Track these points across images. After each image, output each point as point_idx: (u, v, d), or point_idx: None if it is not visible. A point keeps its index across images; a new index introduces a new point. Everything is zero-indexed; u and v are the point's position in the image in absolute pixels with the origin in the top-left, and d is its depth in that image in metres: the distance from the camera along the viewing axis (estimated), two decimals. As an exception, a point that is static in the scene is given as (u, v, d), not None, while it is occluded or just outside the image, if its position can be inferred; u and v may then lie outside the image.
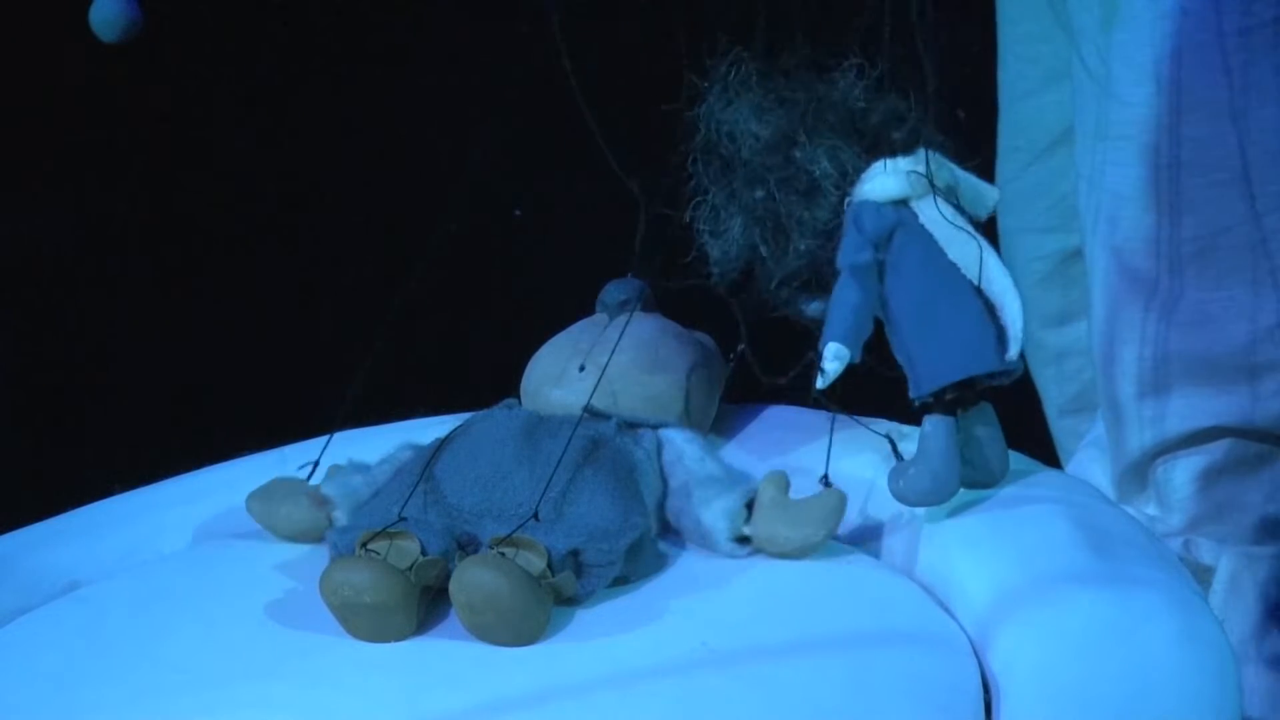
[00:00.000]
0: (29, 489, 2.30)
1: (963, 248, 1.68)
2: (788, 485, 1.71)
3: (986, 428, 1.71)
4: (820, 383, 1.64)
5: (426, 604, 1.61)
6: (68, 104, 2.43)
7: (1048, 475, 1.79)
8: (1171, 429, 2.15)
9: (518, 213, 2.48)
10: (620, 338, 1.81)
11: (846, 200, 1.71)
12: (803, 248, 1.71)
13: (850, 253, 1.68)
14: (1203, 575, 2.19)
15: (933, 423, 1.67)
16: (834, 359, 1.64)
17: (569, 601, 1.60)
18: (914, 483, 1.68)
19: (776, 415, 1.94)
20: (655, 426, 1.78)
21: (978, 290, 1.67)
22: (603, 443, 1.72)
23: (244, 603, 1.67)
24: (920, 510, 1.72)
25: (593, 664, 1.55)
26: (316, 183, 2.53)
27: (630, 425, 1.77)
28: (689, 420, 1.82)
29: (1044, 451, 2.21)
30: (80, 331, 2.52)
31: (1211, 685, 1.53)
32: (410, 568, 1.59)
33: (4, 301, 2.48)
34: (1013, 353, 1.67)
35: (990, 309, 1.68)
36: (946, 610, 1.66)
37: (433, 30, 2.49)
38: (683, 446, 1.76)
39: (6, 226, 2.46)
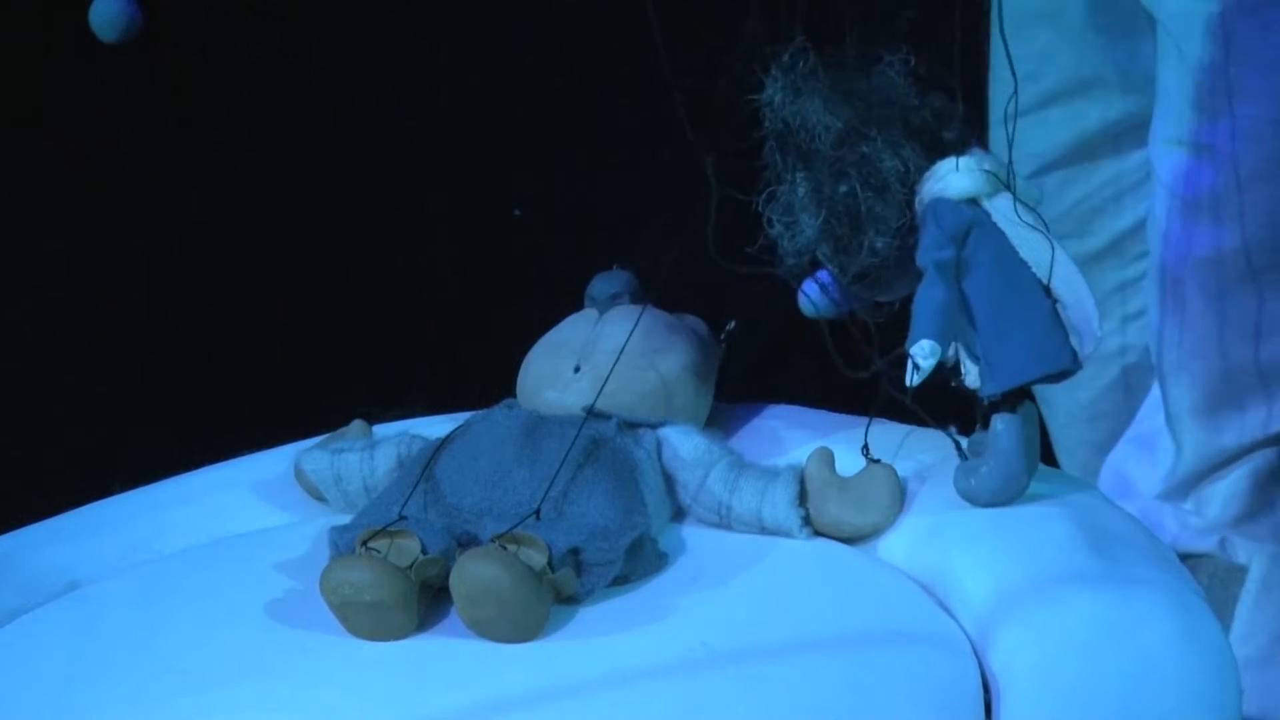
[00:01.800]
0: (29, 489, 2.31)
1: (1034, 246, 1.69)
2: (833, 462, 1.74)
3: (1032, 426, 1.72)
4: (914, 380, 1.64)
5: (427, 603, 1.61)
6: (67, 104, 2.43)
7: (1048, 474, 1.79)
8: (1237, 439, 2.16)
9: (518, 212, 2.48)
10: (628, 339, 1.80)
11: (917, 199, 1.71)
12: (879, 245, 1.71)
13: (933, 250, 1.68)
14: (1236, 575, 2.20)
15: (1004, 421, 1.67)
16: (929, 356, 1.63)
17: (569, 600, 1.60)
18: (986, 482, 1.68)
19: (777, 414, 1.94)
20: (655, 426, 1.78)
21: (1046, 289, 1.68)
22: (603, 442, 1.72)
23: (244, 602, 1.67)
24: (919, 509, 1.73)
25: (592, 663, 1.55)
26: (317, 183, 2.53)
27: (630, 425, 1.77)
28: (686, 411, 1.82)
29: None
30: (79, 331, 2.52)
31: (1211, 685, 1.53)
32: (410, 566, 1.59)
33: (3, 300, 2.48)
34: (1086, 350, 1.68)
35: (1057, 307, 1.69)
36: (946, 610, 1.66)
37: (438, 26, 2.49)
38: (683, 442, 1.76)
39: (4, 225, 2.46)
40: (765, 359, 2.03)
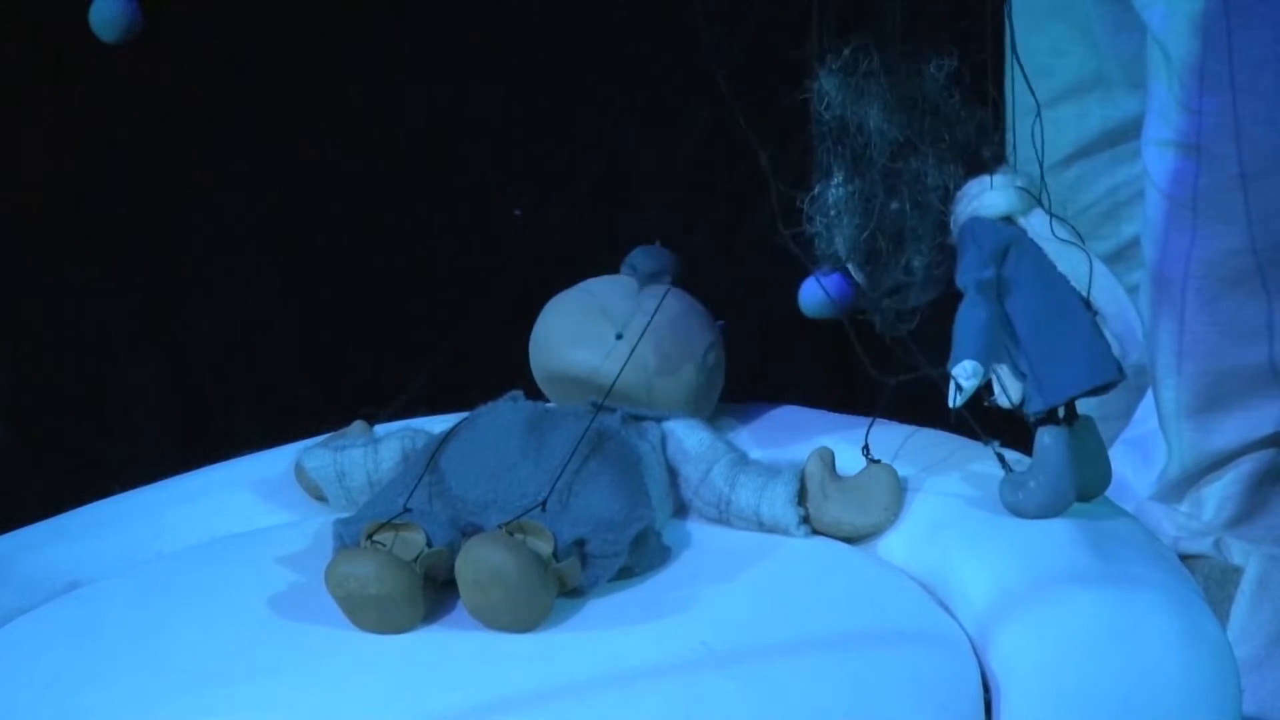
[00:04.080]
0: (29, 489, 2.31)
1: (1070, 260, 1.68)
2: (834, 461, 1.74)
3: (1095, 439, 1.71)
4: (957, 401, 1.63)
5: (432, 595, 1.61)
6: (67, 103, 2.43)
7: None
8: (1228, 442, 2.16)
9: (518, 213, 2.48)
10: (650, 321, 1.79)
11: (952, 219, 1.71)
12: (916, 264, 1.71)
13: (974, 269, 1.68)
14: (1232, 576, 2.20)
15: (1052, 434, 1.67)
16: (971, 376, 1.63)
17: (573, 593, 1.61)
18: (1034, 496, 1.68)
19: (777, 414, 1.94)
20: (660, 419, 1.78)
21: (1086, 302, 1.68)
22: (608, 435, 1.72)
23: (244, 601, 1.67)
24: (919, 509, 1.73)
25: (594, 661, 1.55)
26: (316, 182, 2.53)
27: (635, 417, 1.77)
28: (701, 404, 1.83)
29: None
30: (80, 330, 2.52)
31: (1211, 685, 1.53)
32: (416, 559, 1.59)
33: (2, 300, 2.48)
34: (1131, 359, 1.68)
35: (1097, 320, 1.68)
36: (946, 610, 1.66)
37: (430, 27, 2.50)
38: (688, 435, 1.76)
39: (4, 225, 2.46)
40: (766, 359, 2.03)
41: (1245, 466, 2.20)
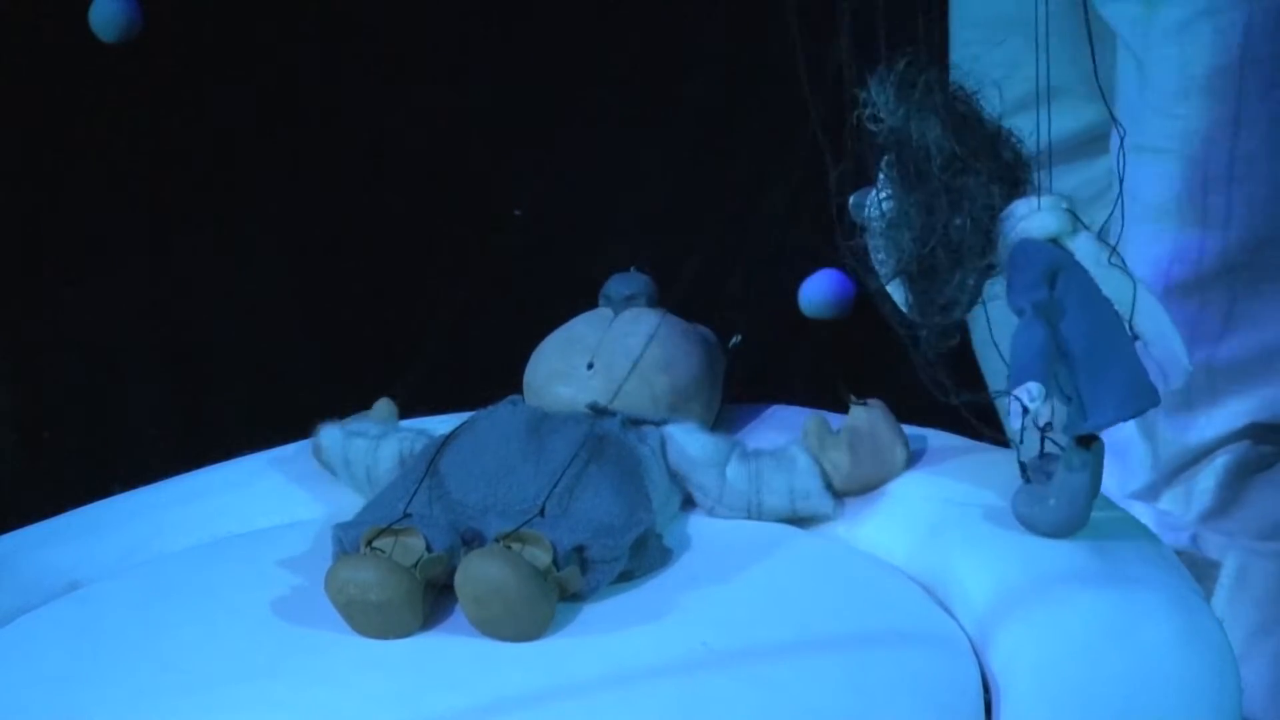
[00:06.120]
0: (29, 489, 2.31)
1: (1114, 283, 1.68)
2: (829, 426, 1.75)
3: (1100, 464, 1.71)
4: (1019, 423, 1.62)
5: (432, 600, 1.61)
6: (67, 104, 2.43)
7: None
8: (1203, 436, 2.17)
9: (518, 212, 2.49)
10: (647, 344, 1.80)
11: (1000, 238, 1.70)
12: (971, 282, 1.70)
13: (1027, 291, 1.65)
14: (1210, 570, 2.20)
15: (1083, 459, 1.66)
16: (1036, 398, 1.60)
17: (574, 597, 1.61)
18: (1052, 515, 1.66)
19: (777, 415, 1.94)
20: (659, 423, 1.78)
21: (1128, 326, 1.67)
22: (608, 439, 1.72)
23: (245, 602, 1.67)
24: (920, 510, 1.73)
25: (594, 663, 1.55)
26: (317, 182, 2.53)
27: (635, 422, 1.77)
28: (693, 418, 1.82)
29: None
30: (80, 330, 2.53)
31: (1211, 685, 1.53)
32: (416, 564, 1.59)
33: (3, 300, 2.48)
34: (1174, 384, 1.67)
35: (1138, 345, 1.67)
36: (946, 610, 1.66)
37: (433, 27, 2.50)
38: (690, 440, 1.77)
39: (6, 225, 2.46)
40: (766, 359, 2.03)
41: (1221, 460, 2.21)
